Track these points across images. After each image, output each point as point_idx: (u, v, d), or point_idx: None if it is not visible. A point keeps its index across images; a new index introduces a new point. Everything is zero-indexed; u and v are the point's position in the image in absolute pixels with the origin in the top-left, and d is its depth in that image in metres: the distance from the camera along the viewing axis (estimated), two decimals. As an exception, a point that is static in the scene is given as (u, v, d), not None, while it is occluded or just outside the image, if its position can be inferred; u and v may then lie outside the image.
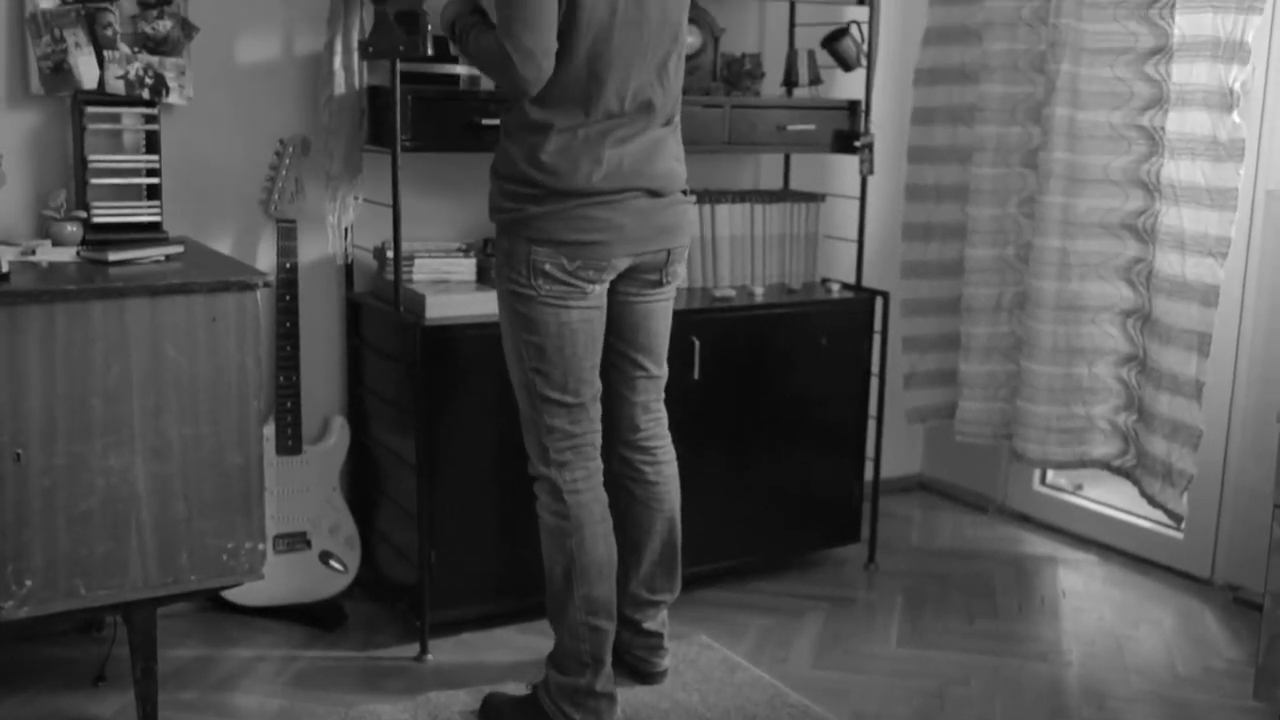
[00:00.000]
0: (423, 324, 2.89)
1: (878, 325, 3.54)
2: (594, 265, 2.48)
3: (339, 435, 3.20)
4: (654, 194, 2.53)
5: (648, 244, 2.54)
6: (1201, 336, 3.04)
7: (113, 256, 2.55)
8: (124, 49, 2.85)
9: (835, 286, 3.57)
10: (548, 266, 2.45)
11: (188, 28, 2.93)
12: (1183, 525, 3.35)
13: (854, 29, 3.46)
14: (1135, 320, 3.27)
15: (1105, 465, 3.43)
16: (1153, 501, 3.26)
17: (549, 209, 2.43)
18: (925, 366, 3.80)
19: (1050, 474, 3.98)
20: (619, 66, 2.43)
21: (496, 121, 2.91)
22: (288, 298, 3.02)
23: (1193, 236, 3.06)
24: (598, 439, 2.61)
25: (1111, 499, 3.81)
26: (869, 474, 3.60)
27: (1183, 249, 3.08)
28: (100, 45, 2.82)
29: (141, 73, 2.87)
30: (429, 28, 2.76)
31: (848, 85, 3.68)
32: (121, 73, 2.85)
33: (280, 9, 3.08)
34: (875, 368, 3.55)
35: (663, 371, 2.73)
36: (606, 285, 2.55)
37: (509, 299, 2.51)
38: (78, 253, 2.62)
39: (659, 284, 2.63)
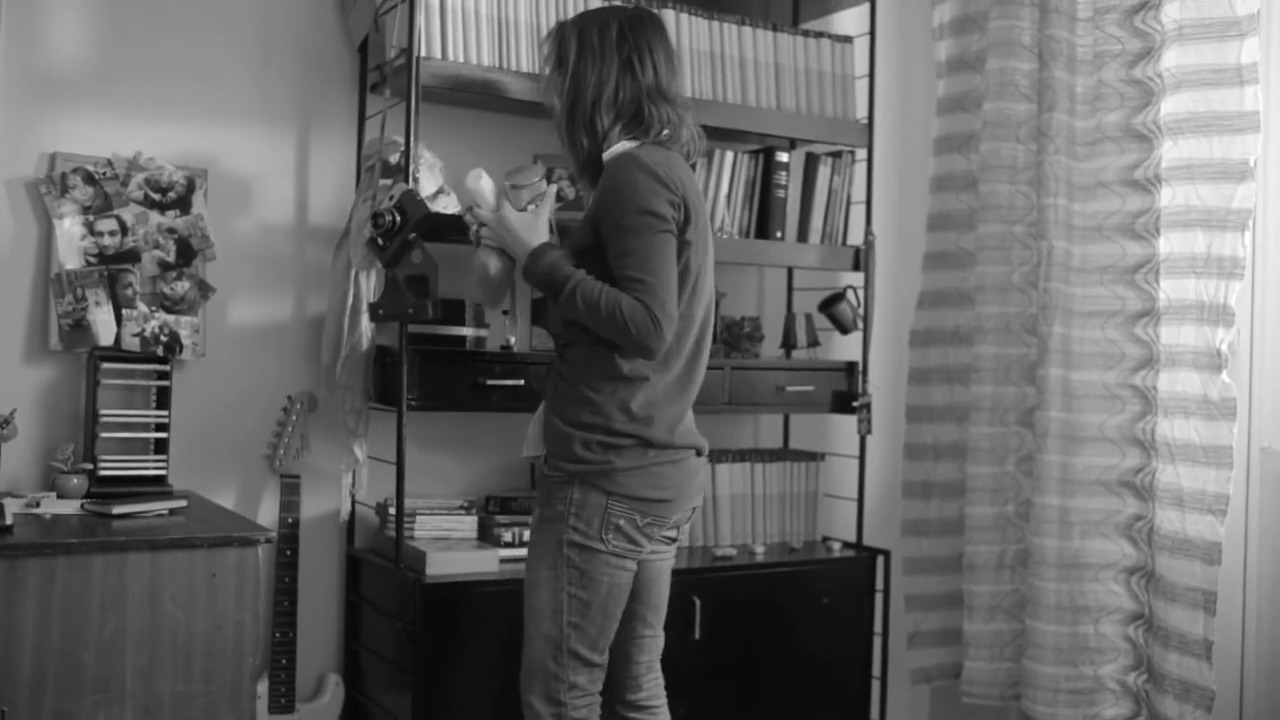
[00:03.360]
0: (423, 581, 2.87)
1: (880, 584, 3.52)
2: (659, 522, 2.50)
3: (333, 694, 3.13)
4: (698, 452, 2.58)
5: (690, 502, 2.58)
6: (1206, 594, 3.01)
7: (116, 510, 2.56)
8: (142, 308, 2.95)
9: (836, 545, 3.56)
10: (622, 522, 2.44)
11: (204, 288, 3.03)
12: (1202, 792, 3.24)
13: (850, 293, 3.57)
14: (1139, 578, 3.25)
15: (1117, 728, 3.34)
16: (1169, 767, 3.16)
17: (633, 464, 2.44)
18: (929, 625, 3.75)
19: (1062, 739, 3.87)
20: (688, 325, 2.51)
21: (500, 381, 2.97)
22: (288, 553, 3.02)
23: (1191, 494, 3.07)
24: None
25: (1126, 765, 3.69)
26: (876, 738, 3.51)
27: (1182, 506, 3.09)
28: (119, 304, 2.92)
29: (157, 330, 2.96)
30: (437, 291, 2.85)
31: (845, 347, 3.77)
32: (138, 330, 2.93)
33: (293, 271, 3.19)
34: (878, 627, 3.50)
35: (662, 632, 2.69)
36: None
37: (565, 549, 2.45)
38: (82, 505, 2.64)
39: (673, 541, 2.64)
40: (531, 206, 2.57)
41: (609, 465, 2.44)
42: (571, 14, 2.97)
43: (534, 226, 2.55)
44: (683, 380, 2.53)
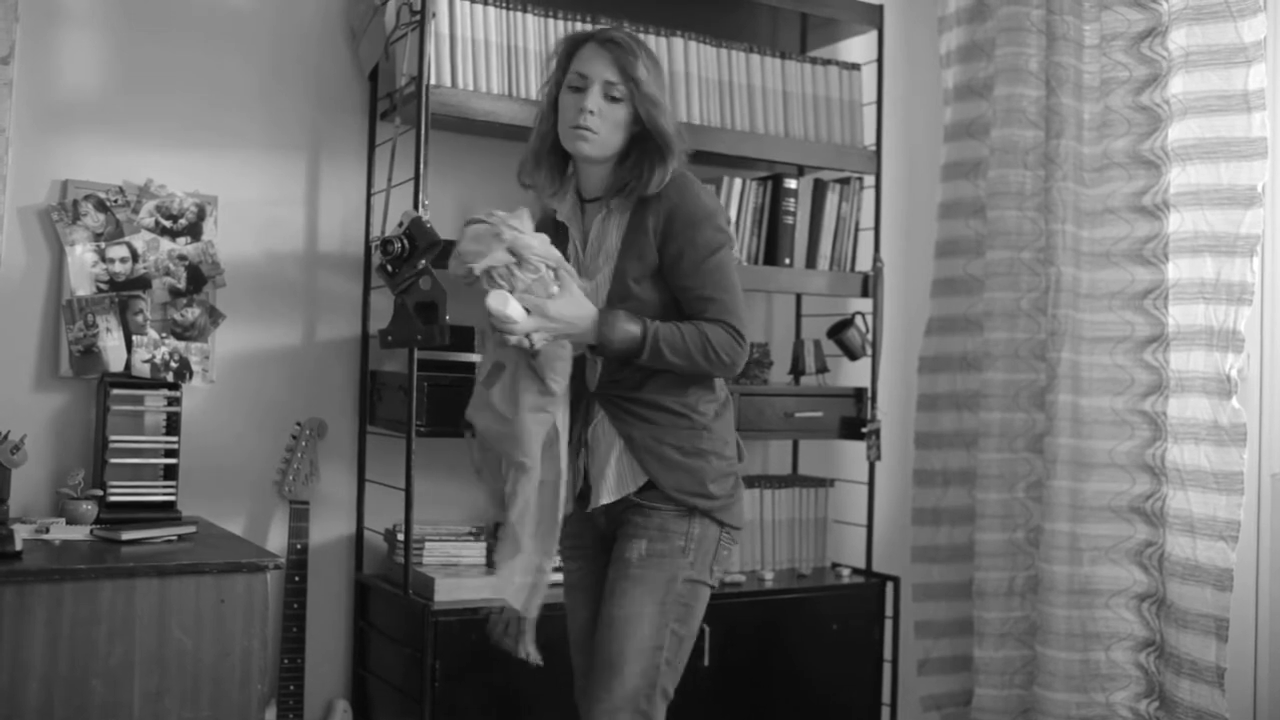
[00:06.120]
0: (432, 608, 2.87)
1: (889, 610, 3.50)
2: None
3: (341, 721, 3.13)
4: None
5: None
6: (1219, 621, 3.00)
7: (125, 536, 2.56)
8: (152, 334, 2.96)
9: (846, 571, 3.55)
10: (724, 553, 2.43)
11: (215, 315, 3.04)
12: (1215, 821, 3.21)
13: (858, 319, 3.57)
14: (1150, 604, 3.23)
15: (1129, 756, 3.32)
16: (1181, 796, 3.14)
17: (739, 494, 2.46)
18: (939, 652, 3.73)
19: (1074, 767, 3.85)
20: None
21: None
22: (297, 579, 3.02)
23: (1202, 520, 3.06)
24: None
25: (1139, 794, 3.66)
26: (886, 766, 3.49)
27: (1193, 532, 3.08)
28: (130, 330, 2.94)
29: (167, 357, 2.97)
30: (446, 317, 2.84)
31: (853, 373, 3.77)
32: (148, 356, 2.95)
33: (303, 298, 3.20)
34: (888, 653, 3.49)
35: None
36: None
37: (679, 585, 2.36)
38: (91, 531, 2.65)
39: None
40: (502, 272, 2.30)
41: (731, 499, 2.43)
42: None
43: (571, 300, 2.31)
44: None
